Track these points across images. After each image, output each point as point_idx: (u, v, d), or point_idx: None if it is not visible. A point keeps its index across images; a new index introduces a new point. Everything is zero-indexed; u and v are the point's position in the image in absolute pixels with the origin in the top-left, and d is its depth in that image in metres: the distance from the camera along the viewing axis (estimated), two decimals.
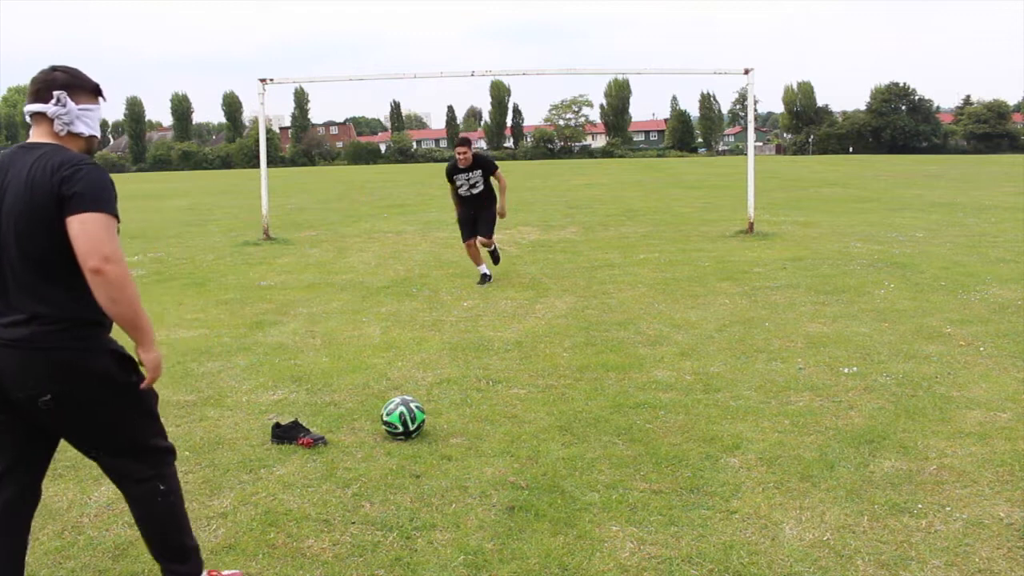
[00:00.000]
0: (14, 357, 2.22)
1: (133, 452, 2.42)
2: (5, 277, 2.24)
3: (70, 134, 2.33)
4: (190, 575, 2.54)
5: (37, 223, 2.19)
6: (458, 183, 8.25)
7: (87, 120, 2.35)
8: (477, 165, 8.18)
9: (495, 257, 8.66)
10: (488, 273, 8.46)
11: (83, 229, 2.14)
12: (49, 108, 2.28)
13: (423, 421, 4.07)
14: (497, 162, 8.42)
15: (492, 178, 8.30)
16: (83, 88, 2.36)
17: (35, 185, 2.18)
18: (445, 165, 8.52)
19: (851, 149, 79.68)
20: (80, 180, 2.17)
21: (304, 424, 4.15)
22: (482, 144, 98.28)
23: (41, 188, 2.18)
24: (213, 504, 3.36)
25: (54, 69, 2.34)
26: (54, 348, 2.22)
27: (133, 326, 2.25)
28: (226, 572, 2.76)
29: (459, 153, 8.11)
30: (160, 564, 2.55)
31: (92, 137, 2.38)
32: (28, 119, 2.36)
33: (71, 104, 2.30)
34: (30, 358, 2.21)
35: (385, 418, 4.04)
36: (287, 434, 4.02)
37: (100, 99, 2.41)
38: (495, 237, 8.59)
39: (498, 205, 8.36)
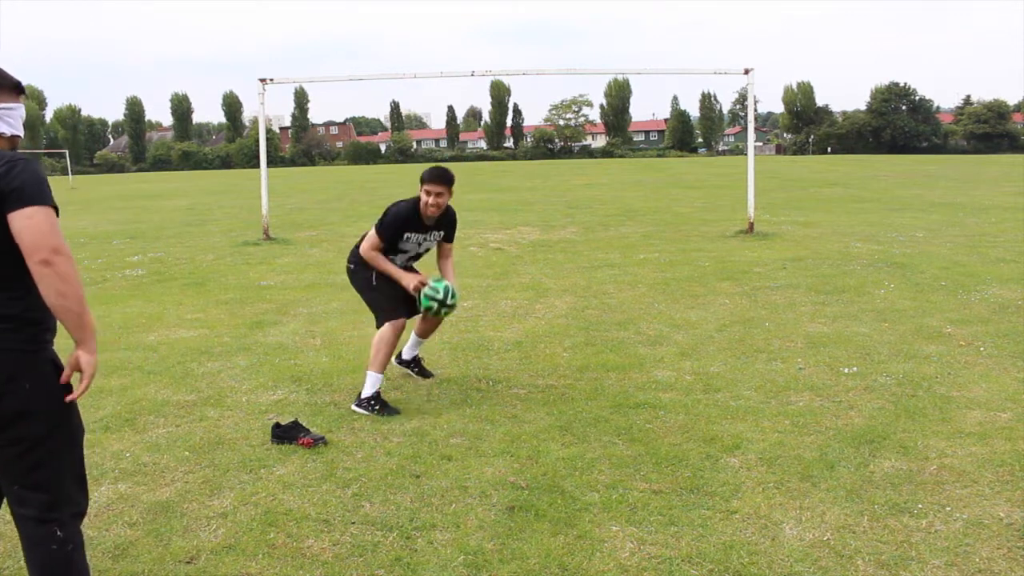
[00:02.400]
0: None
1: (45, 485, 2.19)
2: None
3: None
4: None
5: None
6: (406, 247, 4.66)
7: (8, 119, 2.21)
8: (443, 224, 4.72)
9: (424, 371, 5.19)
10: (373, 393, 4.51)
11: (30, 223, 2.04)
12: None
13: (455, 305, 4.61)
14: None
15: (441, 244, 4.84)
16: (2, 86, 2.21)
17: None
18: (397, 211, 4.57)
19: (829, 149, 79.49)
20: (18, 176, 2.06)
21: (304, 424, 4.16)
22: (482, 144, 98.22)
23: None
24: (213, 504, 3.36)
25: None
26: None
27: (79, 322, 2.11)
28: None
29: (434, 195, 4.46)
30: None
31: (15, 137, 2.24)
32: None
33: None
34: None
35: (432, 283, 4.51)
36: (287, 434, 4.03)
37: (22, 97, 2.27)
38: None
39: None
